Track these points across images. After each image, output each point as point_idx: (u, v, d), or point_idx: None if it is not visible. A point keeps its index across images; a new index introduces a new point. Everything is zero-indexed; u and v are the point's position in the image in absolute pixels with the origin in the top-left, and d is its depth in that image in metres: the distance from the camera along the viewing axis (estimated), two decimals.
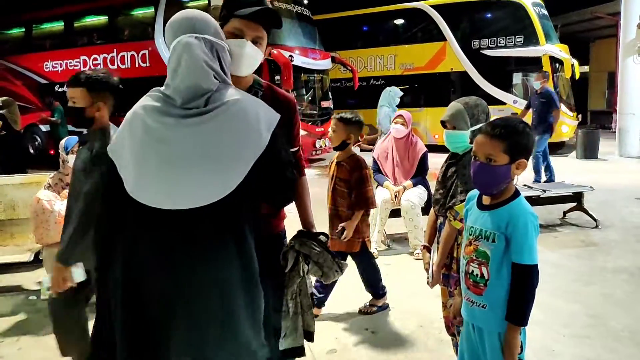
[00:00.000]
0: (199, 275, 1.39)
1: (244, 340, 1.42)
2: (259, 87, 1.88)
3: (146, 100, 1.44)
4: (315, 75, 12.45)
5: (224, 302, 1.39)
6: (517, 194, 1.78)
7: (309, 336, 1.91)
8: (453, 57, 13.98)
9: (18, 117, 9.70)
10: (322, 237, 1.88)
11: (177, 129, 1.37)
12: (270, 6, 1.80)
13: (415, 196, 4.75)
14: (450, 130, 2.33)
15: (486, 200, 1.82)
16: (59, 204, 3.49)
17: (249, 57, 1.71)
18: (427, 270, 2.39)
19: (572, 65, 13.06)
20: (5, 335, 3.23)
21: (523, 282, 1.70)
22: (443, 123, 2.37)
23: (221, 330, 1.40)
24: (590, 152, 11.72)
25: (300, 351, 1.89)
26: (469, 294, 1.83)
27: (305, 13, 12.64)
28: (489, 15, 14.11)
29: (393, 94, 9.53)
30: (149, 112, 1.40)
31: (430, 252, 2.42)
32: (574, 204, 5.87)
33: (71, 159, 3.67)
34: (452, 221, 2.24)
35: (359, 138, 3.65)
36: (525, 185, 5.99)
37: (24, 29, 14.24)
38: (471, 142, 2.18)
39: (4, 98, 9.66)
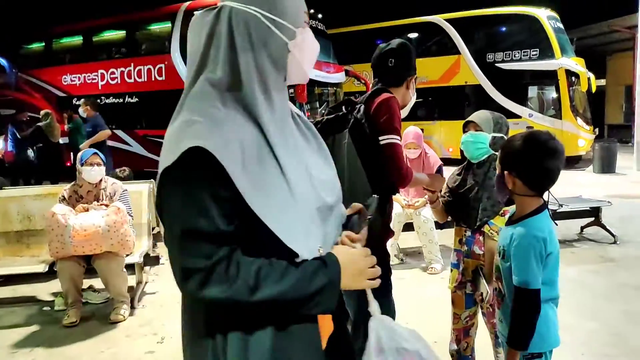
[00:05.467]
0: None
1: None
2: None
3: None
4: (329, 88, 12.53)
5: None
6: (535, 212, 1.68)
7: None
8: (467, 71, 13.96)
9: (56, 129, 9.93)
10: None
11: None
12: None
13: (428, 210, 4.71)
14: (473, 131, 2.34)
15: (514, 216, 1.79)
16: (74, 218, 3.50)
17: None
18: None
19: (588, 79, 12.94)
20: (19, 346, 3.24)
21: (519, 304, 1.63)
22: (465, 125, 2.38)
23: None
24: (607, 166, 11.55)
25: None
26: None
27: (319, 27, 12.74)
28: (503, 28, 14.08)
29: None
30: None
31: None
32: (592, 219, 5.77)
33: (85, 170, 3.69)
34: (493, 238, 2.17)
35: None
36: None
37: (43, 43, 14.55)
38: (490, 147, 2.27)
39: (44, 111, 9.95)
